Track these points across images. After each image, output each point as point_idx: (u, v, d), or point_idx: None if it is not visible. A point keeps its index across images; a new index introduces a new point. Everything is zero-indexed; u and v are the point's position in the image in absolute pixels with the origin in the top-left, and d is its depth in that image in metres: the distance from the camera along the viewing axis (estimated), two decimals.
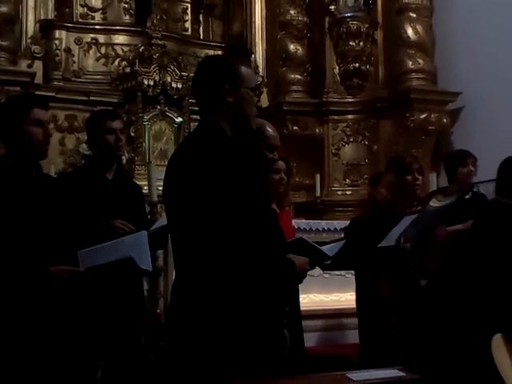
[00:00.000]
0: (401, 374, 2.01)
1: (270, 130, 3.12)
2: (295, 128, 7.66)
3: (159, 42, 7.16)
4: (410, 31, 7.38)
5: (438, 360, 2.34)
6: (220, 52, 7.98)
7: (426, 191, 4.84)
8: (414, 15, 7.42)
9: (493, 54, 6.82)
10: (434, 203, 3.16)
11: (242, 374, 2.01)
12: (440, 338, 2.37)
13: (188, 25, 8.01)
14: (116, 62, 7.42)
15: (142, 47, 7.18)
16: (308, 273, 5.40)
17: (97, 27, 7.59)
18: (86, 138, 5.82)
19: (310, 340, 5.12)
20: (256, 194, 2.22)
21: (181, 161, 2.17)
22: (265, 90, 8.17)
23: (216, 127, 2.22)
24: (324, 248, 3.50)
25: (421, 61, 7.38)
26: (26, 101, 3.05)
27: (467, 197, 4.37)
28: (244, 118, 2.27)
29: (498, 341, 2.21)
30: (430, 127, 7.27)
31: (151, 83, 6.92)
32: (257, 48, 8.25)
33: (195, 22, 8.15)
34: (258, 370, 2.05)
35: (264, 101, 8.13)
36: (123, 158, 5.99)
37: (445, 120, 7.35)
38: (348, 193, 7.72)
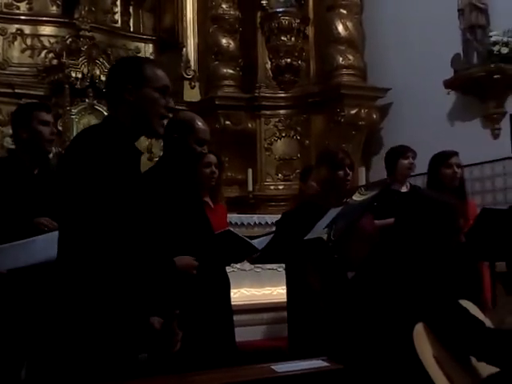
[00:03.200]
0: (325, 364, 2.03)
1: (199, 123, 3.10)
2: (227, 123, 7.64)
3: (87, 33, 7.00)
4: (340, 27, 7.48)
5: (362, 350, 2.36)
6: (151, 45, 7.90)
7: (356, 185, 4.91)
8: (345, 12, 7.52)
9: (420, 51, 6.99)
10: (357, 197, 3.21)
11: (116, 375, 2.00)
12: (364, 328, 2.40)
13: (118, 17, 7.86)
14: (42, 54, 7.20)
15: (70, 39, 7.01)
16: (239, 267, 5.45)
17: (22, 18, 7.32)
18: (10, 131, 5.64)
19: (242, 334, 5.12)
20: (143, 195, 2.23)
21: (70, 156, 2.18)
22: (197, 84, 8.11)
23: (114, 123, 2.23)
24: (255, 241, 3.51)
25: (351, 57, 7.48)
26: None
27: (405, 190, 4.47)
28: (144, 118, 2.27)
29: (419, 330, 2.25)
30: (360, 122, 7.39)
31: (79, 76, 6.75)
32: (188, 41, 8.18)
33: (125, 13, 8.00)
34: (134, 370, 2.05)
35: (196, 95, 8.08)
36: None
37: (374, 115, 7.48)
38: (280, 187, 7.76)
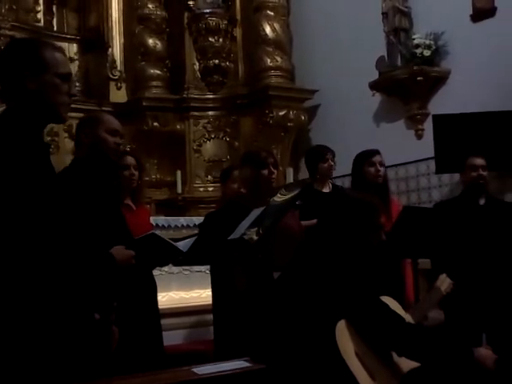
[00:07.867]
0: (247, 364, 2.02)
1: (107, 115, 3.05)
2: (155, 124, 7.56)
3: (8, 32, 6.78)
4: (267, 29, 7.50)
5: (285, 349, 2.35)
6: (75, 45, 7.72)
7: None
8: (272, 13, 7.56)
9: (347, 53, 7.09)
10: (278, 198, 3.21)
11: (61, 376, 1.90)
12: (288, 327, 2.39)
13: (40, 16, 7.64)
14: None
15: None
16: (167, 270, 5.35)
17: None
18: None
19: (172, 338, 5.05)
20: (58, 189, 2.08)
21: None
22: (123, 85, 7.99)
23: (15, 117, 2.04)
24: (180, 244, 3.45)
25: (279, 58, 7.52)
26: None
27: (327, 191, 4.51)
28: (49, 106, 2.10)
29: (341, 327, 2.26)
30: (289, 124, 7.44)
31: None
32: (114, 42, 8.03)
33: (48, 13, 7.79)
34: (77, 370, 1.96)
35: (122, 96, 7.95)
36: None
37: (303, 117, 7.55)
38: (210, 189, 7.71)
